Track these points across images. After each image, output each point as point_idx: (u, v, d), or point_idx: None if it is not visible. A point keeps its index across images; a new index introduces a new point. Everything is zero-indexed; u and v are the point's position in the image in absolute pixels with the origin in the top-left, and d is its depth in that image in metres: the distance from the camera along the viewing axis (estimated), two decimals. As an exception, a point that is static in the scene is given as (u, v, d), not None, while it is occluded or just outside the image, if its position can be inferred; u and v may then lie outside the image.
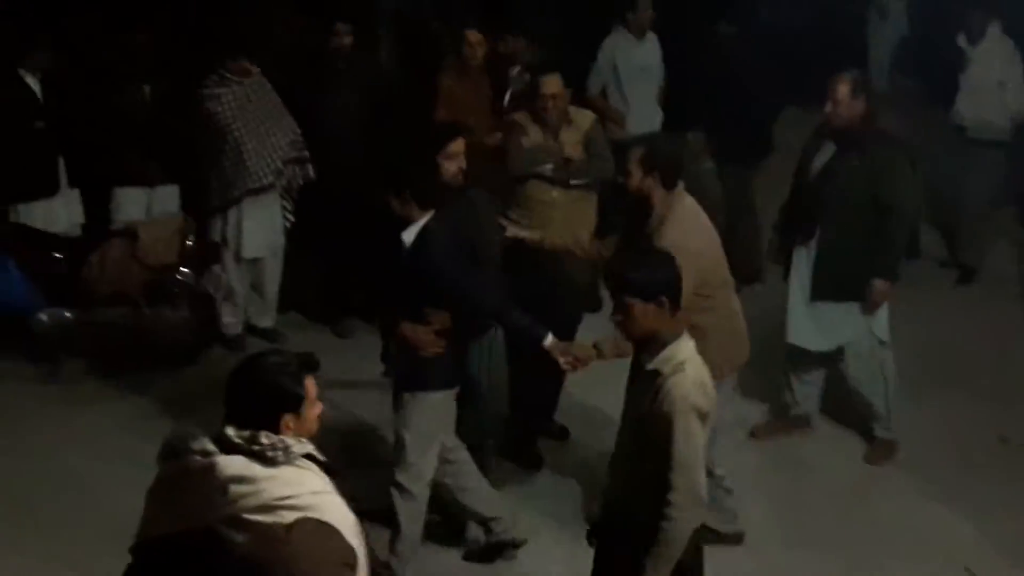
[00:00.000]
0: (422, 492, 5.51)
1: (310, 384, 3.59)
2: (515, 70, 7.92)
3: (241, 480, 3.37)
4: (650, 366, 4.15)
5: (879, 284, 6.46)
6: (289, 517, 3.37)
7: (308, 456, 3.50)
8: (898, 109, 11.80)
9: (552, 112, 6.64)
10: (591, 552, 4.50)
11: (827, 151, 6.49)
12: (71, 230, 7.57)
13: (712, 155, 8.77)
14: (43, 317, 7.27)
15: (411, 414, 5.44)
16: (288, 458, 3.44)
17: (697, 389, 4.10)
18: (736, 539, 6.00)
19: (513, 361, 6.22)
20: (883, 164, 6.35)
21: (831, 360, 6.87)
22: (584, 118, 6.83)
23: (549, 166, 6.65)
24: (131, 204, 7.62)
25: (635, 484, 4.24)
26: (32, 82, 7.31)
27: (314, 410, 3.60)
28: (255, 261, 7.82)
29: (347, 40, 7.83)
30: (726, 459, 5.99)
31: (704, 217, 5.59)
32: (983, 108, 8.96)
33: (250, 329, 7.99)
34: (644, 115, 8.80)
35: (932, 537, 6.15)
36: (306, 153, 7.71)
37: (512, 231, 6.32)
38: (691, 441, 4.07)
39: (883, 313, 6.63)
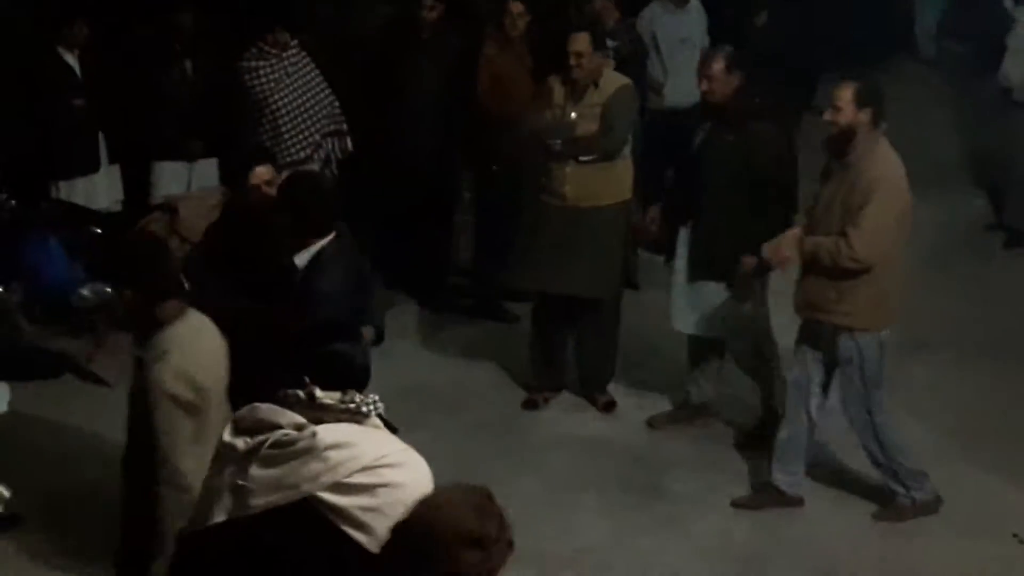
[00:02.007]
0: None
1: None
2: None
3: (339, 446, 3.41)
4: (136, 352, 4.32)
5: (746, 259, 6.17)
6: (388, 475, 3.42)
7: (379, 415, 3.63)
8: (945, 74, 11.70)
9: (578, 71, 6.47)
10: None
11: (707, 128, 6.31)
12: (112, 207, 7.57)
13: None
14: (85, 292, 7.24)
15: None
16: (376, 411, 3.57)
17: (177, 379, 4.16)
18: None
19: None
20: (756, 139, 6.14)
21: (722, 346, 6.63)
22: (612, 83, 6.63)
23: (558, 143, 6.52)
24: (171, 178, 7.60)
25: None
26: (71, 59, 7.27)
27: None
28: (294, 233, 7.77)
29: (434, 13, 7.71)
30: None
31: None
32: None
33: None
34: (684, 85, 8.62)
35: (981, 505, 6.03)
36: (345, 126, 7.66)
37: None
38: (169, 430, 4.18)
39: (763, 297, 6.40)
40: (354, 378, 3.61)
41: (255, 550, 3.44)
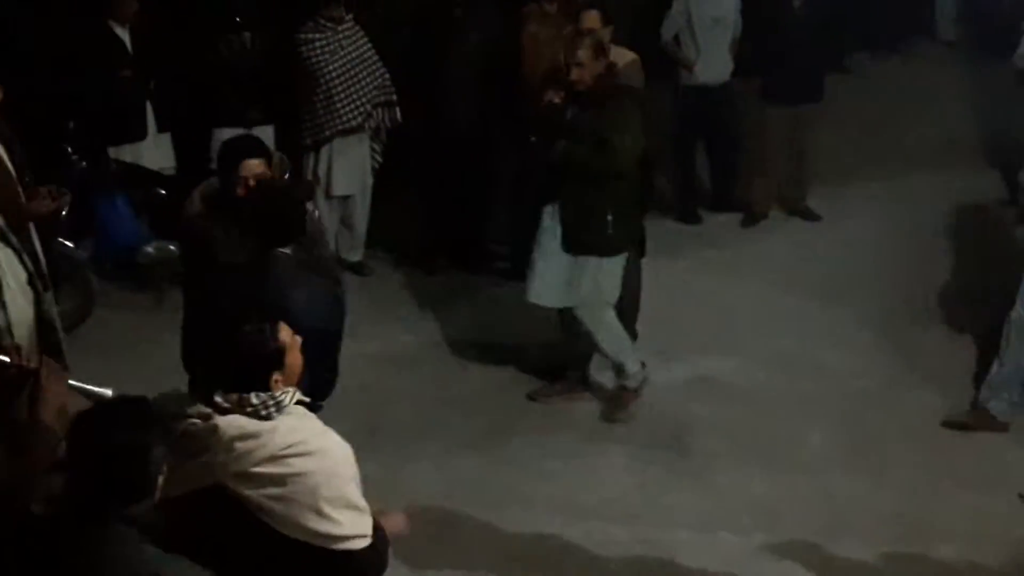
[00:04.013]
0: None
1: (284, 332, 3.58)
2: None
3: (244, 437, 3.39)
4: None
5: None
6: (297, 464, 3.41)
7: (298, 402, 3.53)
8: (964, 55, 11.66)
9: None
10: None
11: (572, 111, 6.22)
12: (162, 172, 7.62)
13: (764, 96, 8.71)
14: (150, 249, 7.37)
15: None
16: (280, 412, 3.45)
17: None
18: (1004, 428, 6.26)
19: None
20: (611, 116, 6.06)
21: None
22: (620, 58, 6.62)
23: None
24: (230, 144, 7.66)
25: None
26: (121, 32, 7.34)
27: (295, 354, 3.59)
28: (345, 198, 7.87)
29: None
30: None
31: None
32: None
33: (339, 263, 8.02)
34: (715, 63, 8.69)
35: (990, 465, 6.08)
36: (394, 97, 7.73)
37: None
38: None
39: (614, 276, 6.30)
40: (243, 378, 3.47)
41: (176, 534, 3.37)
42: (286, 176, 7.50)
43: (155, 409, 3.23)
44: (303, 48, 7.45)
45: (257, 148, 5.15)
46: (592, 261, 6.22)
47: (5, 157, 5.38)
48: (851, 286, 7.80)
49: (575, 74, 6.08)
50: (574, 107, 6.16)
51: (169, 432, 3.17)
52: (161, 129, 7.54)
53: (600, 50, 6.12)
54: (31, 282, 4.66)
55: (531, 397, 6.66)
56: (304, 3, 7.66)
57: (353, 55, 7.53)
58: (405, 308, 7.65)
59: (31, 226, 5.44)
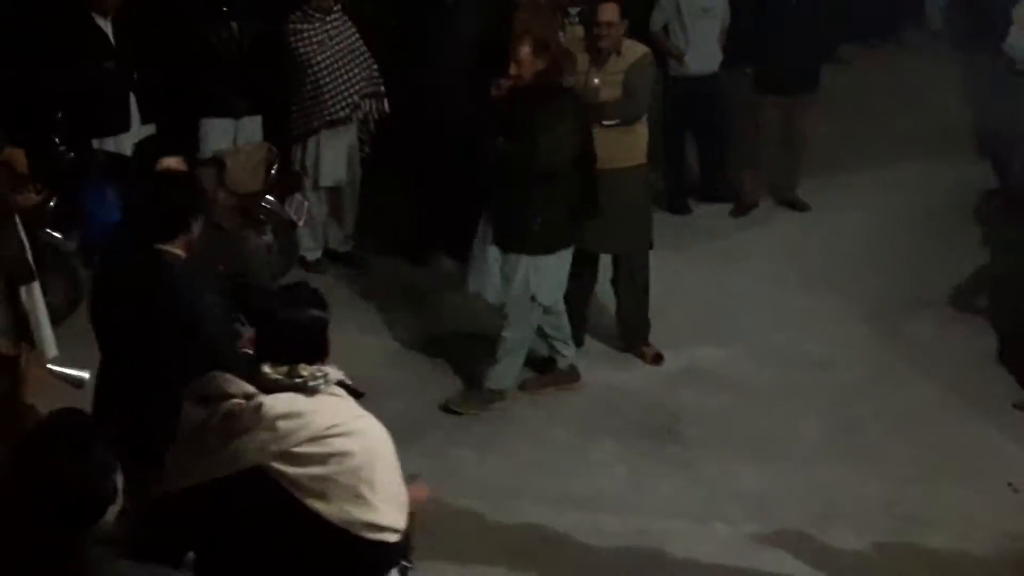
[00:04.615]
0: None
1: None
2: (574, 11, 7.78)
3: (288, 416, 3.35)
4: None
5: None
6: (338, 444, 3.38)
7: (339, 382, 3.51)
8: (953, 45, 11.67)
9: (606, 40, 6.47)
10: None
11: (511, 109, 6.17)
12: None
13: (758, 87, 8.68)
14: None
15: None
16: (328, 384, 3.44)
17: None
18: None
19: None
20: (542, 115, 6.01)
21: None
22: (633, 52, 6.61)
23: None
24: (218, 134, 7.59)
25: None
26: (103, 24, 7.28)
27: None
28: (333, 189, 7.82)
29: None
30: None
31: None
32: (1035, 40, 8.73)
33: (328, 254, 8.00)
34: (704, 54, 8.66)
35: (980, 455, 6.09)
36: (382, 88, 7.69)
37: None
38: None
39: (549, 276, 6.27)
40: (297, 349, 3.45)
41: (217, 518, 3.41)
42: (274, 168, 7.52)
43: (88, 418, 3.18)
44: (291, 38, 7.39)
45: (172, 145, 5.11)
46: (523, 259, 6.19)
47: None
48: (841, 276, 7.80)
49: (514, 69, 6.04)
50: (512, 103, 6.11)
51: (104, 438, 3.06)
52: (145, 121, 7.47)
53: (542, 47, 6.06)
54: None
55: (522, 388, 6.65)
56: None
57: (341, 46, 7.48)
58: (396, 299, 7.62)
59: (16, 217, 5.41)
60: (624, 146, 6.57)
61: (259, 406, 3.35)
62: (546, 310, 6.41)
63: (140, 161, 4.91)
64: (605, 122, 6.49)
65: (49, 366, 3.70)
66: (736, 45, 8.71)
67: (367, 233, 8.22)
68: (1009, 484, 5.85)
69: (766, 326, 7.24)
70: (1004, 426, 6.32)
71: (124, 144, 7.36)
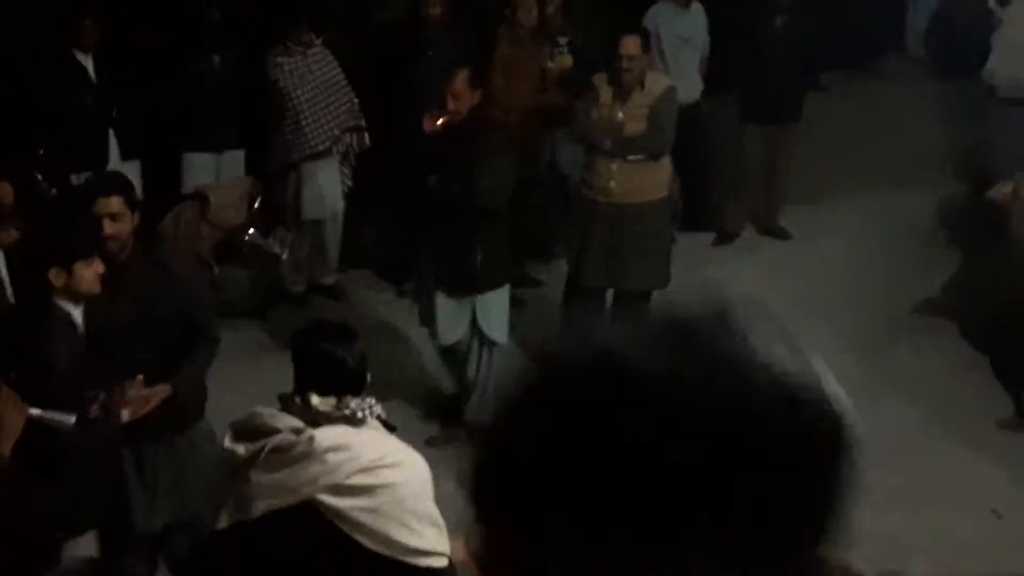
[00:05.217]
0: None
1: None
2: (563, 41, 7.81)
3: (337, 448, 3.38)
4: None
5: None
6: (385, 475, 3.42)
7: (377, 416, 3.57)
8: (934, 72, 11.72)
9: (628, 73, 6.44)
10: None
11: (446, 144, 6.16)
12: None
13: (743, 115, 8.72)
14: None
15: None
16: (373, 416, 3.50)
17: None
18: None
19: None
20: (482, 154, 5.97)
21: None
22: (658, 85, 6.60)
23: (608, 141, 6.50)
24: (201, 169, 7.64)
25: None
26: (84, 59, 7.29)
27: None
28: (316, 222, 7.82)
29: (436, 11, 7.74)
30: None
31: None
32: (1016, 67, 8.77)
33: (313, 287, 7.99)
34: (685, 84, 8.62)
35: (963, 481, 6.10)
36: (363, 122, 7.71)
37: None
38: None
39: (498, 313, 6.27)
40: (345, 382, 3.51)
41: (259, 554, 3.42)
42: (257, 201, 7.54)
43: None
44: (272, 71, 7.43)
45: (114, 185, 4.71)
46: (471, 298, 6.15)
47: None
48: (824, 303, 7.80)
49: (450, 104, 5.99)
50: (446, 139, 6.06)
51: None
52: (125, 156, 7.46)
53: (476, 80, 6.02)
54: None
55: (428, 443, 6.40)
56: (273, 26, 7.64)
57: (322, 79, 7.51)
58: (381, 332, 7.61)
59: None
60: (649, 180, 6.59)
61: (311, 439, 3.37)
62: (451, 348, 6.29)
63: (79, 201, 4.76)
64: (631, 156, 6.48)
65: (32, 410, 3.66)
66: (719, 73, 8.76)
67: (351, 265, 8.22)
68: (993, 510, 5.86)
69: (749, 354, 7.22)
70: (987, 449, 6.34)
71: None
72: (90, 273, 4.19)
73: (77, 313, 4.22)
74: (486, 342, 6.26)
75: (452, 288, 6.15)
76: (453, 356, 6.43)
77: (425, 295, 6.31)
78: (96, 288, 4.23)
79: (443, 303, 6.21)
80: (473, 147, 5.95)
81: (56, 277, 4.13)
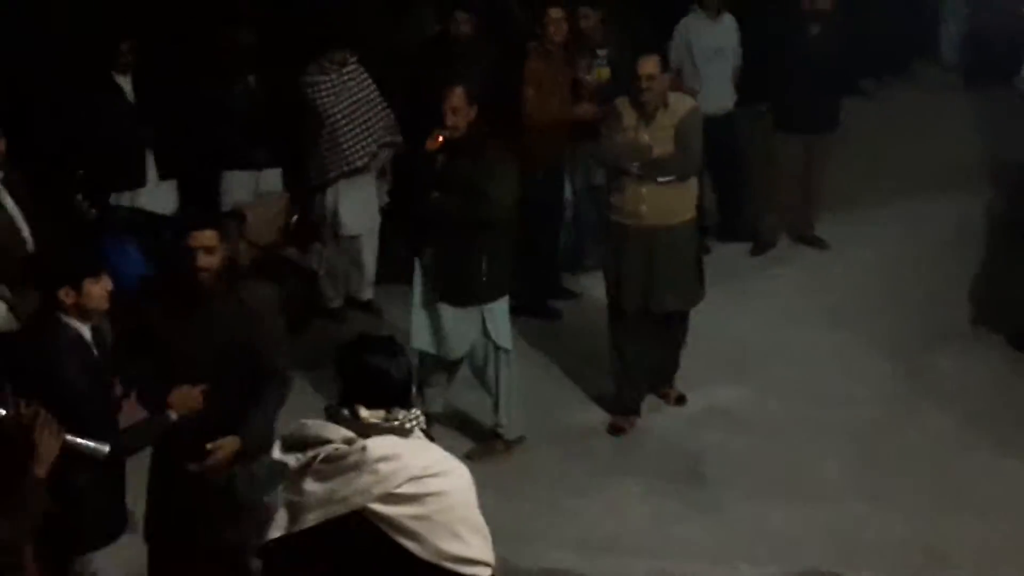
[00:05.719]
0: None
1: None
2: (602, 53, 7.83)
3: (387, 458, 3.42)
4: None
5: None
6: (434, 484, 3.46)
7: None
8: (967, 79, 11.68)
9: (648, 93, 6.34)
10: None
11: (445, 159, 6.17)
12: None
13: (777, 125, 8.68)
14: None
15: None
16: (419, 426, 3.54)
17: None
18: None
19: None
20: (486, 165, 5.99)
21: (454, 364, 6.49)
22: (681, 105, 6.50)
23: (636, 164, 6.42)
24: (239, 186, 7.68)
25: None
26: (122, 81, 7.37)
27: None
28: (353, 238, 7.86)
29: (466, 28, 7.78)
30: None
31: None
32: (1049, 73, 8.73)
33: (350, 302, 8.04)
34: (717, 94, 8.66)
35: (1003, 489, 6.05)
36: (400, 138, 7.73)
37: None
38: None
39: (503, 321, 6.28)
40: (393, 394, 3.55)
41: (310, 565, 3.45)
42: (294, 219, 7.60)
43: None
44: (308, 90, 7.47)
45: (207, 219, 4.87)
46: (478, 308, 6.18)
47: (14, 207, 5.41)
48: (861, 313, 7.79)
49: (449, 120, 6.01)
50: (446, 155, 6.08)
51: None
52: (165, 176, 7.54)
53: (473, 95, 6.03)
54: None
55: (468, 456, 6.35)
56: (308, 45, 7.70)
57: (357, 96, 7.55)
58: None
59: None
60: (679, 201, 6.51)
61: (364, 448, 3.42)
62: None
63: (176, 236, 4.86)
64: (661, 179, 6.41)
65: (67, 437, 3.70)
66: (753, 83, 8.74)
67: (387, 280, 8.26)
68: (1033, 518, 5.82)
69: (787, 364, 7.23)
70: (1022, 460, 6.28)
71: (140, 199, 7.46)
72: (98, 290, 4.24)
73: (86, 331, 4.26)
74: (500, 349, 6.31)
75: (458, 300, 6.19)
76: (455, 368, 6.49)
77: (422, 313, 6.31)
78: (104, 305, 4.29)
79: (449, 317, 6.25)
80: (473, 161, 6.00)
81: (66, 295, 4.18)
